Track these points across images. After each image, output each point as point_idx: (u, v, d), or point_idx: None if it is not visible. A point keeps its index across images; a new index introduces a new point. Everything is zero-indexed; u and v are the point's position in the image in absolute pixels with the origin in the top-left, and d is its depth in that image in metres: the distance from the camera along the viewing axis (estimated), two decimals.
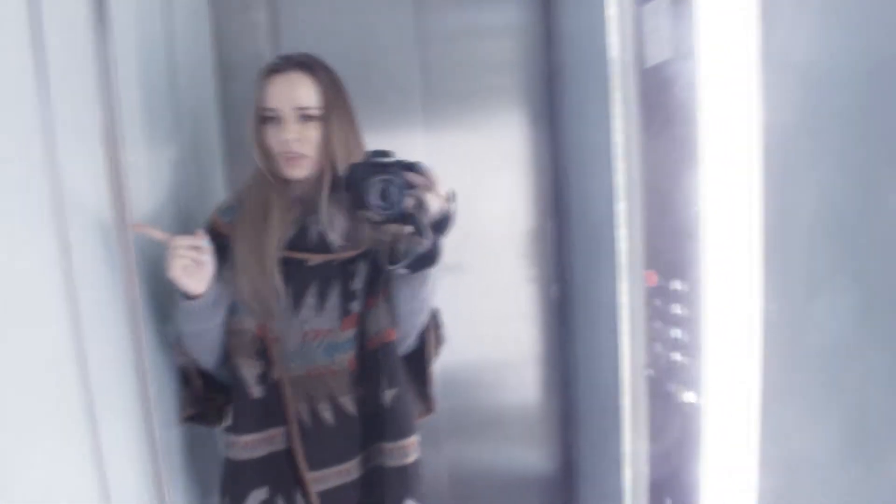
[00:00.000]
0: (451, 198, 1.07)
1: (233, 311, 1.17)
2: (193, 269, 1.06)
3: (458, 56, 1.87)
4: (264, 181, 1.19)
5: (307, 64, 1.17)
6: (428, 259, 1.06)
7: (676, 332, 1.19)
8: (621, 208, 1.44)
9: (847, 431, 0.82)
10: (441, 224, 1.06)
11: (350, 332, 1.19)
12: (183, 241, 1.04)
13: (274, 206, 1.17)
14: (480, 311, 1.96)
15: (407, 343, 1.25)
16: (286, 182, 1.19)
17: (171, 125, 1.40)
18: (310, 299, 1.17)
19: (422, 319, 1.22)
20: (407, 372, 1.26)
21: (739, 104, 1.00)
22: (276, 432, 1.17)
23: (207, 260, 1.08)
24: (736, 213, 1.02)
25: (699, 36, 1.06)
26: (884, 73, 0.72)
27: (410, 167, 1.03)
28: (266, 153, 1.17)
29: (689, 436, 1.17)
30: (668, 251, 1.22)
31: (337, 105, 1.17)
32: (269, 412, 1.16)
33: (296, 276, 1.17)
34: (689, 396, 1.17)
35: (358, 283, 1.20)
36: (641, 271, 1.33)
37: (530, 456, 2.08)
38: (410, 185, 1.02)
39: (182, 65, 1.46)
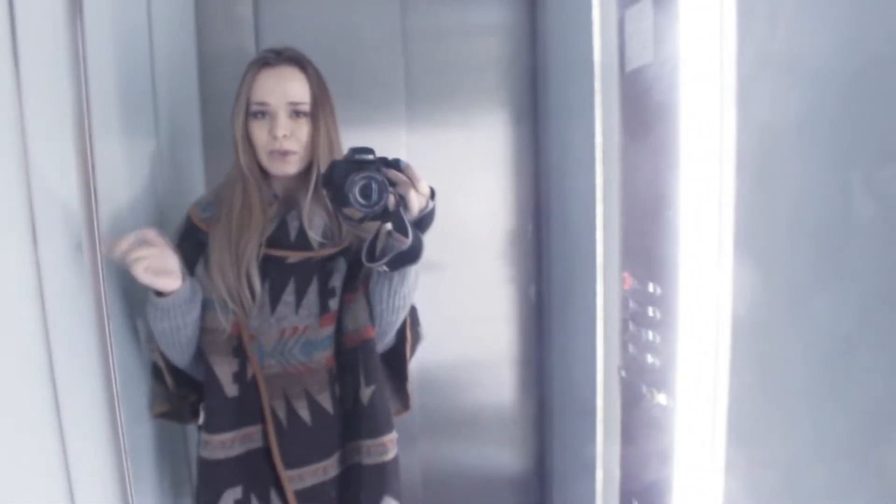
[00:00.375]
0: (431, 195, 1.07)
1: (207, 307, 1.15)
2: (156, 265, 1.04)
3: (443, 54, 1.87)
4: (244, 177, 1.17)
5: (299, 59, 1.17)
6: (408, 256, 1.05)
7: (650, 335, 1.20)
8: (600, 210, 1.45)
9: (817, 434, 0.83)
10: (422, 222, 1.06)
11: (328, 330, 1.18)
12: (126, 243, 1.01)
13: (254, 202, 1.16)
14: (459, 310, 1.97)
15: (385, 340, 1.24)
16: (267, 178, 1.19)
17: (150, 117, 1.38)
18: (288, 297, 1.16)
19: (401, 317, 1.20)
20: (384, 369, 1.26)
21: (717, 108, 1.01)
22: (252, 430, 1.15)
23: (165, 253, 1.06)
24: (711, 217, 1.04)
25: (680, 40, 1.07)
26: (865, 73, 0.73)
27: (392, 164, 1.04)
28: (250, 148, 1.16)
29: (661, 438, 1.18)
30: (645, 254, 1.23)
31: (325, 102, 1.18)
32: (245, 410, 1.15)
33: (274, 273, 1.16)
34: (661, 399, 1.19)
35: (337, 281, 1.19)
36: (618, 273, 1.34)
37: (504, 456, 2.09)
38: (392, 183, 1.02)
39: (163, 57, 1.44)
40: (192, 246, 1.18)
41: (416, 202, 1.03)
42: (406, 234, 1.02)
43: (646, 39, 1.17)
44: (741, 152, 0.97)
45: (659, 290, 1.16)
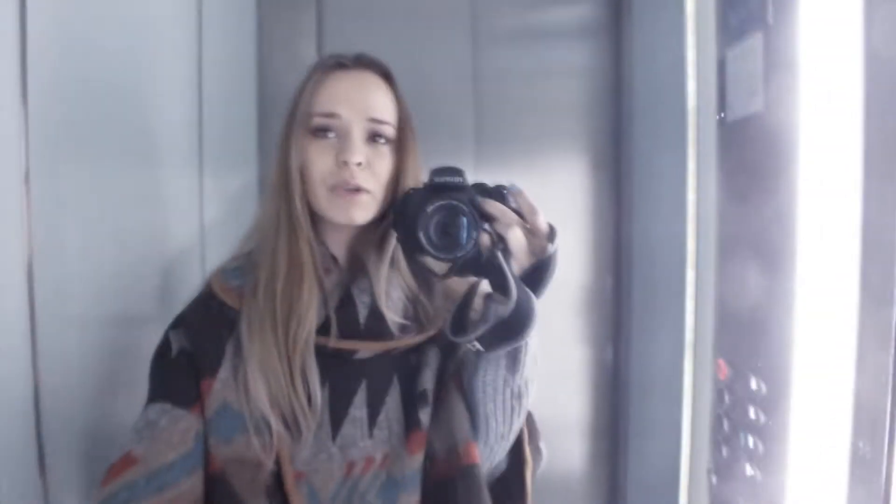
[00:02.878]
0: (551, 236, 0.74)
1: (236, 429, 0.76)
2: None
3: (516, 97, 1.73)
4: (292, 227, 0.80)
5: (383, 67, 0.86)
6: (513, 327, 0.70)
7: (749, 440, 0.98)
8: (690, 278, 1.25)
9: None
10: (536, 275, 0.73)
11: (419, 457, 0.78)
12: None
13: (305, 265, 0.79)
14: None
15: (493, 463, 0.84)
16: (329, 230, 0.84)
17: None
18: (357, 411, 0.79)
19: (515, 426, 0.81)
20: None
21: (842, 167, 0.81)
22: None
23: None
24: (839, 303, 0.82)
25: (800, 84, 0.88)
26: None
27: (491, 192, 0.73)
28: (304, 183, 0.80)
29: None
30: (747, 340, 1.02)
31: (411, 129, 0.86)
32: None
33: (336, 375, 0.79)
34: None
35: (428, 381, 0.81)
36: (710, 357, 1.13)
37: None
38: (488, 217, 0.72)
39: (221, 98, 1.38)
40: (217, 329, 0.80)
41: (527, 246, 0.73)
42: (508, 294, 0.69)
43: (753, 84, 0.98)
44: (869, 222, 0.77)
45: (764, 388, 0.95)
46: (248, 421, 0.75)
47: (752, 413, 0.96)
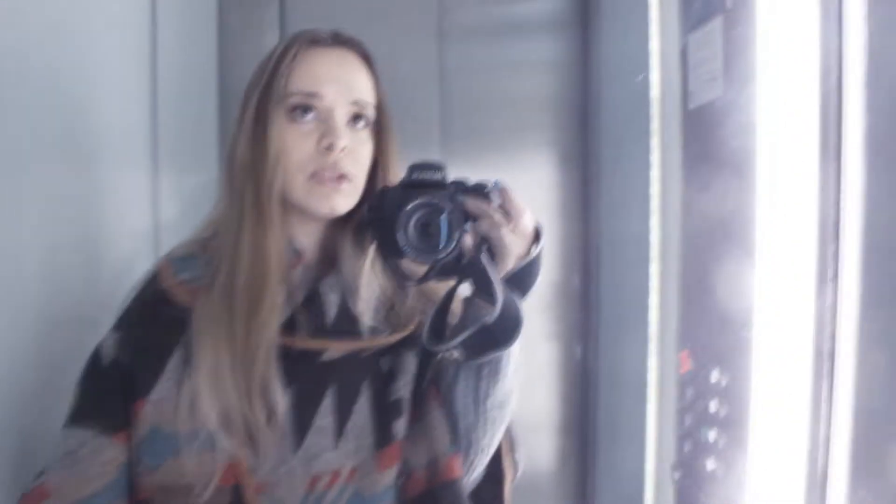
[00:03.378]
0: (536, 237, 0.70)
1: (167, 454, 0.67)
2: None
3: (482, 91, 1.71)
4: (258, 217, 0.71)
5: (363, 47, 0.79)
6: (497, 334, 0.65)
7: (711, 434, 0.96)
8: (655, 270, 1.23)
9: None
10: (520, 278, 0.68)
11: (391, 473, 0.72)
12: None
13: (270, 259, 0.70)
14: None
15: (472, 476, 0.77)
16: (297, 221, 0.76)
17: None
18: (322, 419, 0.71)
19: (496, 438, 0.76)
20: None
21: (806, 152, 0.79)
22: None
23: None
24: (801, 291, 0.80)
25: (757, 67, 0.86)
26: None
27: (475, 189, 0.68)
28: (279, 169, 0.71)
29: None
30: (708, 331, 1.00)
31: (389, 114, 0.80)
32: None
33: (301, 379, 0.71)
34: None
35: (403, 389, 0.74)
36: (674, 350, 1.11)
37: None
38: (471, 217, 0.67)
39: (177, 88, 1.32)
40: (161, 334, 0.71)
41: (513, 247, 0.67)
42: (493, 299, 0.63)
43: (713, 69, 0.96)
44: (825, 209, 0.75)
45: (724, 380, 0.92)
46: (183, 442, 0.66)
47: (712, 406, 0.94)
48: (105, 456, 0.67)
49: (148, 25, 1.22)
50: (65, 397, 0.71)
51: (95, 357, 0.72)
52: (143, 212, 1.22)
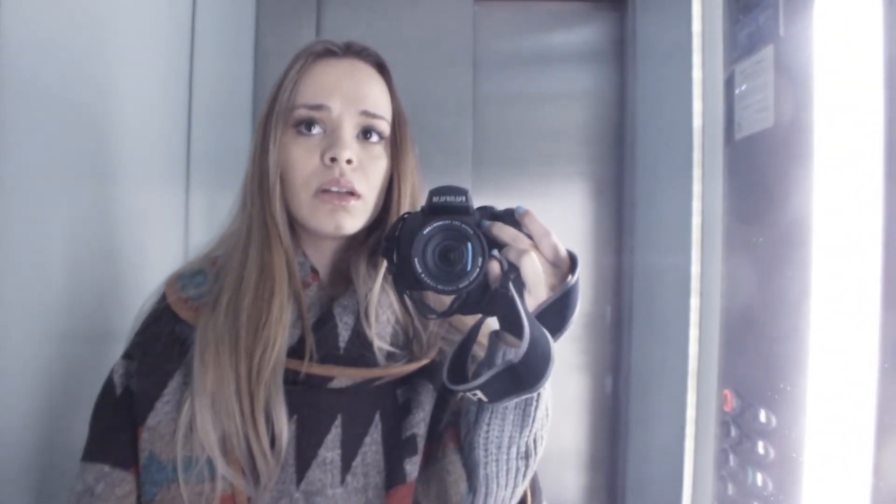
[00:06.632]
0: (572, 267, 0.62)
1: (160, 483, 0.64)
2: None
3: (516, 121, 1.70)
4: (266, 234, 0.69)
5: (377, 56, 0.75)
6: (526, 375, 0.57)
7: (757, 478, 0.91)
8: (695, 303, 1.19)
9: None
10: (555, 311, 0.60)
11: None
12: None
13: (279, 277, 0.67)
14: None
15: None
16: (309, 239, 0.73)
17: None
18: (328, 451, 0.66)
19: (517, 490, 0.69)
20: None
21: (862, 187, 0.76)
22: None
23: None
24: (858, 330, 0.76)
25: (815, 97, 0.83)
26: None
27: (500, 216, 0.62)
28: (284, 185, 0.69)
29: None
30: (755, 370, 0.95)
31: (406, 128, 0.75)
32: None
33: (306, 407, 0.67)
34: None
35: (418, 425, 0.68)
36: (715, 388, 1.06)
37: None
38: (497, 242, 0.61)
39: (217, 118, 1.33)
40: (164, 355, 0.68)
41: (545, 277, 0.60)
42: (520, 333, 0.56)
43: (764, 98, 0.93)
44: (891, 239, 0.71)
45: (774, 422, 0.88)
46: (178, 471, 0.62)
47: (760, 448, 0.89)
48: (121, 490, 0.64)
49: (186, 47, 1.24)
50: (86, 410, 0.70)
51: (108, 386, 0.69)
52: (176, 230, 1.22)
